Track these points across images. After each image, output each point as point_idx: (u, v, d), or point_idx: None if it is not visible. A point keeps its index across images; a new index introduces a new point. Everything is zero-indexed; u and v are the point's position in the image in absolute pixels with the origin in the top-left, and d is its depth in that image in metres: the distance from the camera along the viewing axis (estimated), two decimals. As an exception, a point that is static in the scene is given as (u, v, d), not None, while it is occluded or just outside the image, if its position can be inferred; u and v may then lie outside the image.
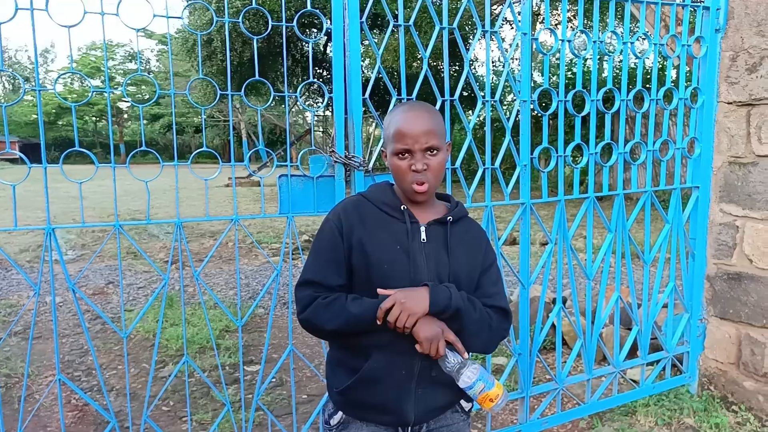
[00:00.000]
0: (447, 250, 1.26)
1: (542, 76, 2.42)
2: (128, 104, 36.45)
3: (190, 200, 11.09)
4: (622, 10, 2.51)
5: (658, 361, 2.77)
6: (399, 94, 2.00)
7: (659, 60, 2.61)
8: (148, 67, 36.36)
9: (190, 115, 33.56)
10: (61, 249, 6.74)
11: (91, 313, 4.24)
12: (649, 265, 2.64)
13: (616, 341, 2.63)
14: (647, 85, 2.51)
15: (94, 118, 37.92)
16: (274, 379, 3.04)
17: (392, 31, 1.98)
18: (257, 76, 1.87)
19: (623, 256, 2.57)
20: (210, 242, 7.23)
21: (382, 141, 1.33)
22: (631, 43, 2.48)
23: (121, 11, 1.70)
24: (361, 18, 1.92)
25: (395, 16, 1.98)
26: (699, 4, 2.62)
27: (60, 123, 35.65)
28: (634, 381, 2.80)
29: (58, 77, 1.83)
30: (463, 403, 1.34)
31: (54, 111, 33.77)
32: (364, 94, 1.95)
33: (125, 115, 38.45)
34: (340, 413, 1.29)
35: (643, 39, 2.57)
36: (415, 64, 10.30)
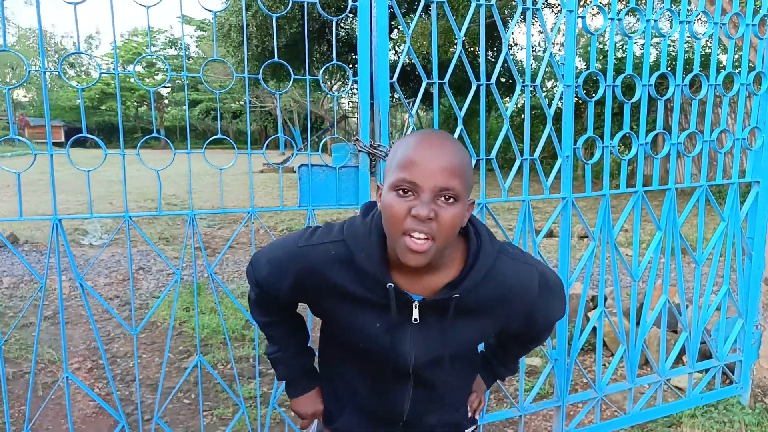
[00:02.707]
0: (444, 335, 0.97)
1: (584, 62, 2.21)
2: (168, 90, 37.15)
3: (226, 185, 11.17)
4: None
5: (706, 370, 2.56)
6: (430, 78, 1.84)
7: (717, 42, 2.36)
8: (187, 53, 36.92)
9: (228, 101, 33.96)
10: (97, 233, 6.80)
11: (120, 299, 4.26)
12: (701, 265, 2.42)
13: (662, 347, 2.43)
14: (702, 70, 2.28)
15: (135, 104, 38.85)
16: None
17: (426, 11, 1.82)
18: (283, 60, 1.74)
19: (673, 255, 2.36)
20: (242, 228, 7.23)
21: (380, 175, 1.05)
22: (689, 22, 2.24)
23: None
24: (389, -6, 1.76)
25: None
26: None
27: (103, 108, 36.65)
28: (679, 388, 2.60)
29: (62, 60, 1.74)
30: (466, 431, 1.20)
31: (97, 96, 34.71)
32: (391, 78, 1.80)
33: (165, 101, 39.23)
34: None
35: (701, 19, 2.32)
36: (451, 49, 10.03)
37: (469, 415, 1.21)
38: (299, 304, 1.13)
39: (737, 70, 2.36)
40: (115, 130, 36.10)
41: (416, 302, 0.93)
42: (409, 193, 0.84)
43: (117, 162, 1.62)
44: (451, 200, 0.85)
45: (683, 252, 2.50)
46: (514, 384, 2.82)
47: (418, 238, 0.83)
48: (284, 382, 1.19)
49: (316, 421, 1.23)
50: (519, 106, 12.81)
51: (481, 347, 1.28)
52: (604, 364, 3.09)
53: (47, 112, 1.51)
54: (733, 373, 2.63)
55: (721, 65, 8.30)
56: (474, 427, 1.24)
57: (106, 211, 8.40)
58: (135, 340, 1.75)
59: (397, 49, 14.46)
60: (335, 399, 1.14)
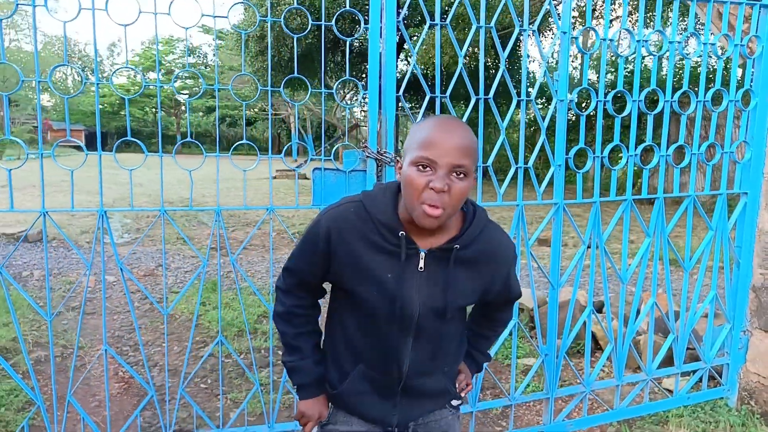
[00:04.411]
0: (445, 283, 1.14)
1: (596, 74, 2.39)
2: (194, 98, 37.81)
3: (237, 190, 11.44)
4: (670, 8, 2.44)
5: (695, 372, 2.69)
6: (433, 92, 2.04)
7: (712, 60, 2.53)
8: (205, 61, 37.63)
9: (242, 109, 34.50)
10: (117, 232, 7.14)
11: (140, 293, 4.49)
12: (689, 272, 2.57)
13: (649, 348, 2.58)
14: (697, 87, 2.44)
15: (153, 110, 39.57)
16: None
17: (433, 29, 2.01)
18: (300, 73, 1.95)
19: (661, 261, 2.51)
20: (259, 230, 7.47)
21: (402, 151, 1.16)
22: (678, 42, 2.41)
23: (176, 9, 1.82)
24: (397, 18, 1.96)
25: (432, 15, 2.01)
26: (756, 2, 2.52)
27: (123, 113, 37.37)
28: (669, 391, 2.73)
29: (114, 71, 1.96)
30: (452, 401, 1.34)
31: (117, 102, 35.47)
32: (398, 92, 1.99)
33: (182, 107, 39.87)
34: (330, 404, 1.31)
35: (692, 37, 2.49)
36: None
37: (458, 390, 1.37)
38: (320, 294, 1.31)
39: (727, 87, 2.52)
40: (133, 133, 36.68)
41: (422, 253, 1.12)
42: (428, 168, 1.02)
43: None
44: (462, 176, 1.03)
45: (673, 261, 2.65)
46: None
47: (434, 206, 1.02)
48: (297, 385, 1.30)
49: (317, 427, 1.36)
50: (529, 117, 12.96)
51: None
52: (593, 364, 3.22)
53: (103, 115, 1.72)
54: (720, 376, 2.76)
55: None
56: (460, 402, 1.39)
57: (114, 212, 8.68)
58: (166, 320, 1.95)
59: (409, 59, 14.76)
60: (339, 370, 1.27)
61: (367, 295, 1.15)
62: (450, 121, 1.07)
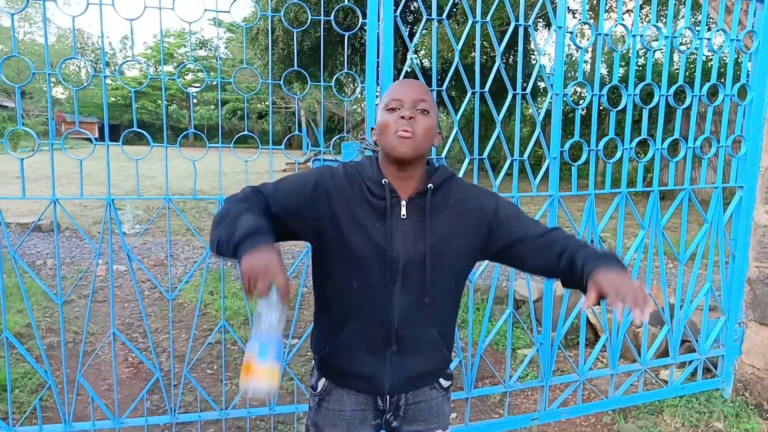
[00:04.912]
0: (424, 223, 1.24)
1: (607, 68, 2.43)
2: (197, 90, 38.04)
3: (251, 183, 11.56)
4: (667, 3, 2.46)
5: (690, 363, 2.73)
6: (440, 85, 2.09)
7: (710, 54, 2.55)
8: (216, 54, 37.77)
9: (254, 102, 34.65)
10: (129, 223, 7.22)
11: (150, 282, 4.60)
12: (684, 264, 2.61)
13: (644, 339, 2.62)
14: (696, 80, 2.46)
15: (166, 102, 39.90)
16: (309, 353, 3.22)
17: (447, 22, 2.05)
18: (310, 66, 2.00)
19: (656, 254, 2.55)
20: (263, 224, 7.56)
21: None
22: (674, 37, 2.44)
23: (183, 2, 1.89)
24: (395, 13, 2.02)
25: (429, 10, 2.06)
26: (753, -3, 2.53)
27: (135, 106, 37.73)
28: (665, 382, 2.78)
29: (121, 64, 2.04)
30: (442, 381, 1.38)
31: (130, 94, 35.86)
32: (395, 85, 2.04)
33: (195, 101, 40.20)
34: (323, 380, 1.34)
35: (687, 34, 2.51)
36: (471, 55, 10.24)
37: (636, 312, 0.99)
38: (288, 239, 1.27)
39: (722, 80, 2.54)
40: (146, 126, 37.09)
41: (403, 202, 1.24)
42: (396, 109, 1.20)
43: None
44: (425, 112, 1.21)
45: (669, 254, 2.68)
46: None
47: (405, 131, 1.18)
48: (235, 245, 1.03)
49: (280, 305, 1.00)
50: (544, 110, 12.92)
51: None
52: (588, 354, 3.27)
53: (106, 112, 1.80)
54: (716, 367, 2.80)
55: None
56: (450, 382, 1.42)
57: (117, 203, 8.81)
58: (171, 305, 2.03)
59: (417, 55, 14.75)
60: (330, 330, 1.31)
61: (355, 245, 1.23)
62: (411, 80, 1.30)
